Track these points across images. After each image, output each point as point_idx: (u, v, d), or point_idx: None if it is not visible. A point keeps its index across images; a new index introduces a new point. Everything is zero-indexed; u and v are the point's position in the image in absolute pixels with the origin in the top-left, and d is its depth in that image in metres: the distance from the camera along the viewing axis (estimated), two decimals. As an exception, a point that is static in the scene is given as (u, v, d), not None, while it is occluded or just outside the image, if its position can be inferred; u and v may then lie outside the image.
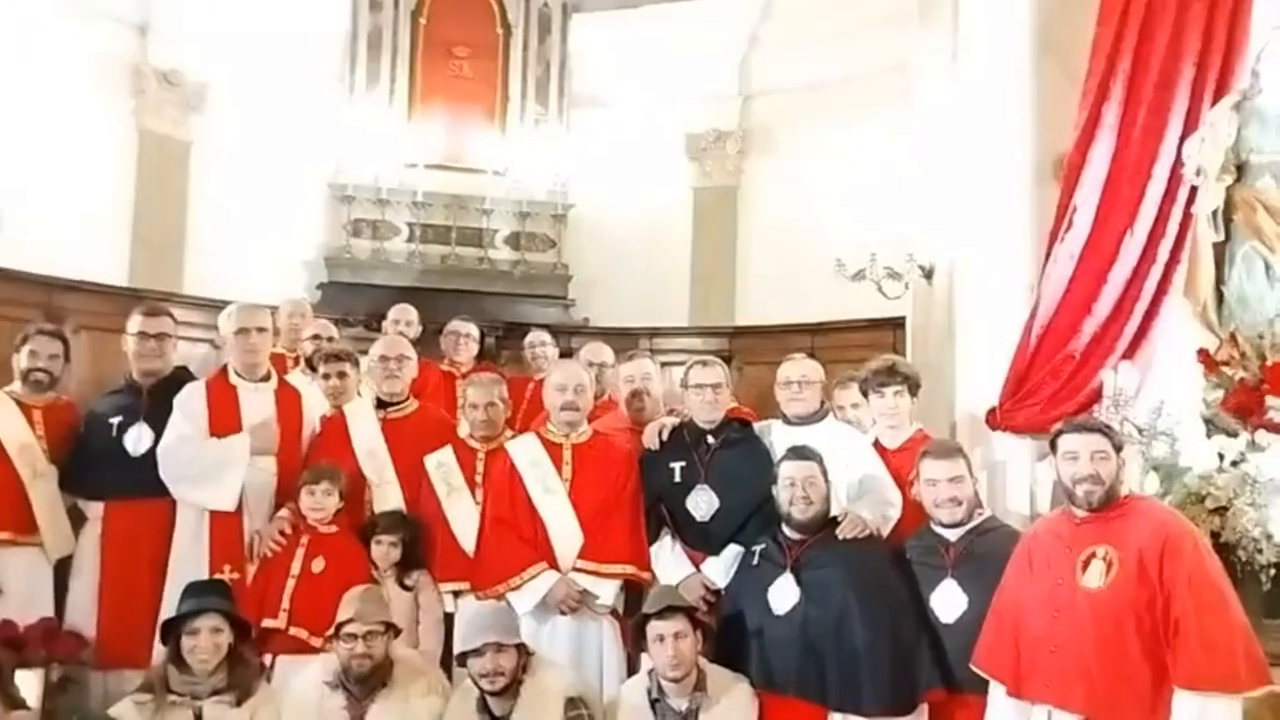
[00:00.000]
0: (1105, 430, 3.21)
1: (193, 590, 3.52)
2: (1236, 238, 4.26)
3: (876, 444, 4.15)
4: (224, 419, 4.21)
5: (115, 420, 4.26)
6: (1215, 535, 3.69)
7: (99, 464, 4.24)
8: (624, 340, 6.63)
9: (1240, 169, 4.26)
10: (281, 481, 4.24)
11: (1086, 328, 4.69)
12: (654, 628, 3.38)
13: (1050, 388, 4.70)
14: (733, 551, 3.85)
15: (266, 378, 4.41)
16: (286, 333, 5.37)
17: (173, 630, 3.38)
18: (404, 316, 5.79)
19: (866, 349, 5.62)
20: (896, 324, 6.67)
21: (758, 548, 3.67)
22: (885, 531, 3.78)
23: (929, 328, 5.99)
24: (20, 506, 4.12)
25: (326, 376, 4.51)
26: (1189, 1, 4.61)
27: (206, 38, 7.54)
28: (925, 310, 6.11)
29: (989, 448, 4.85)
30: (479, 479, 4.19)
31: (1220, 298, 4.29)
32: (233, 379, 4.33)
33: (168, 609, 3.76)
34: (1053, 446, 3.22)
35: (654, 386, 4.62)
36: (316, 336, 5.31)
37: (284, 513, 4.12)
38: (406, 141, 7.91)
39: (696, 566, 3.93)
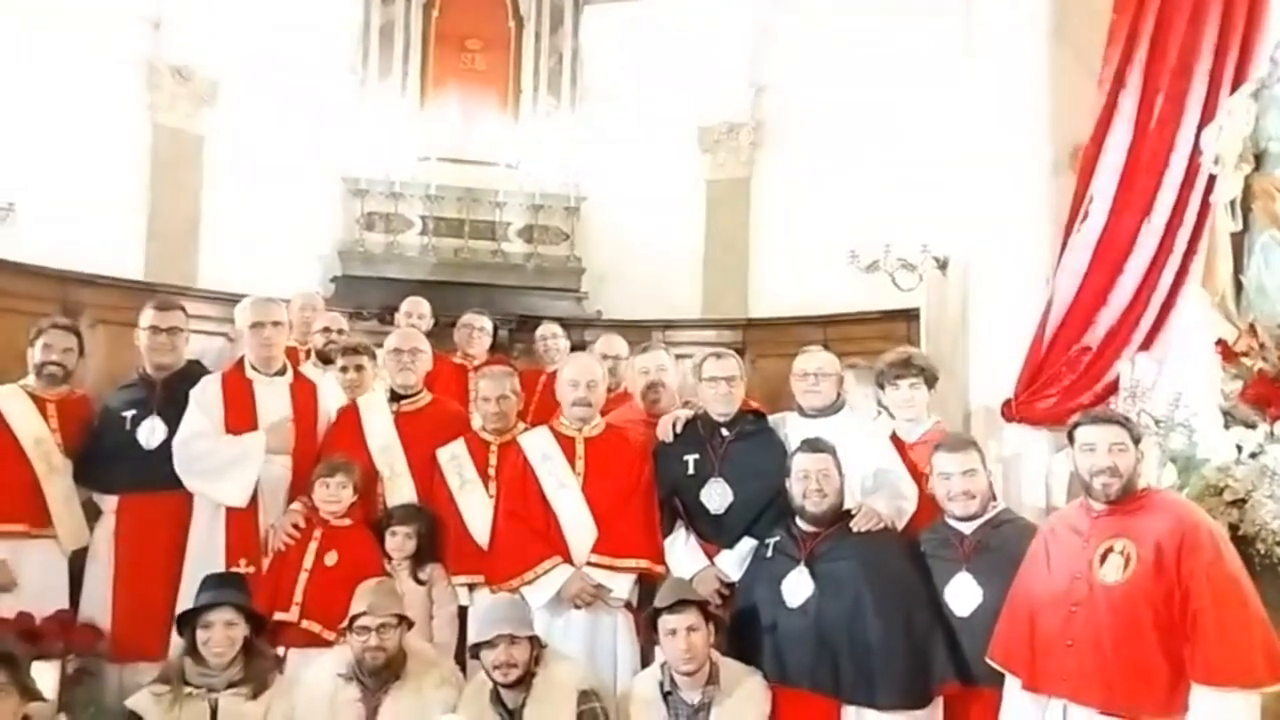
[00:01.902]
0: (1123, 422, 3.18)
1: (209, 583, 3.54)
2: (1255, 227, 4.21)
3: (894, 437, 4.13)
4: (240, 413, 4.23)
5: (128, 414, 4.27)
6: (1234, 528, 3.65)
7: (113, 457, 4.25)
8: (636, 333, 6.60)
9: (1259, 157, 4.21)
10: (296, 475, 4.25)
11: (1103, 319, 4.66)
12: (666, 621, 3.38)
13: (1066, 379, 4.67)
14: (747, 544, 3.84)
15: (282, 371, 4.42)
16: (298, 326, 5.36)
17: (188, 623, 3.39)
18: (416, 309, 5.78)
19: (880, 341, 5.59)
20: (910, 316, 6.62)
21: (771, 540, 3.66)
22: (900, 524, 3.76)
23: (943, 319, 5.96)
24: (35, 499, 4.14)
25: (344, 369, 4.52)
26: (1206, -12, 4.57)
27: (219, 32, 7.53)
28: (939, 302, 6.07)
29: (1003, 440, 4.82)
30: (492, 472, 4.19)
31: (1239, 288, 4.23)
32: (248, 373, 4.35)
33: (184, 601, 3.77)
34: (1070, 438, 3.20)
35: (669, 378, 4.61)
36: (327, 329, 5.32)
37: (297, 506, 4.13)
38: (419, 134, 7.89)
39: (710, 559, 3.92)
